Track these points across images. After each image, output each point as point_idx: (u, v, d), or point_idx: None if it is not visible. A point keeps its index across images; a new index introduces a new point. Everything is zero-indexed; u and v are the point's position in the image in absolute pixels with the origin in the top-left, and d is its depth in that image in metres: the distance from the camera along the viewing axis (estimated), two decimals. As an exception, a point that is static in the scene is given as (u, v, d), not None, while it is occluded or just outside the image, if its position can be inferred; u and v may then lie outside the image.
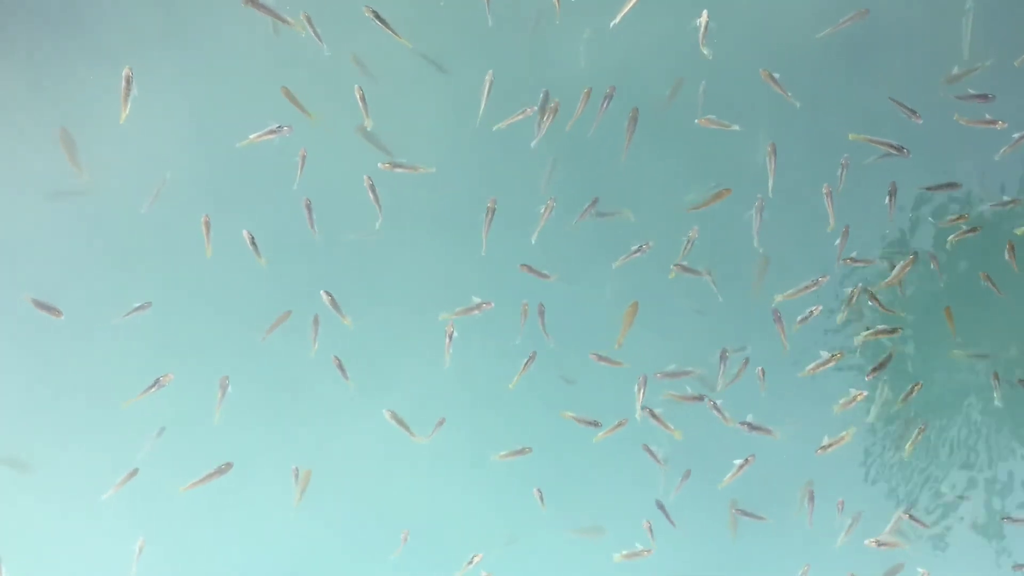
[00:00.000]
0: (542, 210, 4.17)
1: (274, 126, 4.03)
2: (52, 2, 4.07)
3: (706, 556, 4.25)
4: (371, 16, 4.08)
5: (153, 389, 3.99)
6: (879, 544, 4.16)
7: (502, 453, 4.18)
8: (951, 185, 4.24)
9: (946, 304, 4.27)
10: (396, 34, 4.10)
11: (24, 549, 4.02)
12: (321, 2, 4.08)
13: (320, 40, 4.07)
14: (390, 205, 4.15)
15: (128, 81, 3.94)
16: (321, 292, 4.11)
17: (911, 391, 4.24)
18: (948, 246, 4.27)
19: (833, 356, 4.18)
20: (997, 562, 4.29)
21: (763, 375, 4.19)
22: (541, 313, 4.19)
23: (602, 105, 4.18)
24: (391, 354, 4.21)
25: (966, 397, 4.33)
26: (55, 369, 4.07)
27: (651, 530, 4.17)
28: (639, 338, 4.19)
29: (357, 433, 4.18)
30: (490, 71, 4.13)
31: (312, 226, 4.11)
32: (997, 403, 4.28)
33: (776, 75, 4.16)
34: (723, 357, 4.21)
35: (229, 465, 4.04)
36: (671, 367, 4.21)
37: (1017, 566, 4.26)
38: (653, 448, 4.19)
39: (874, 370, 4.23)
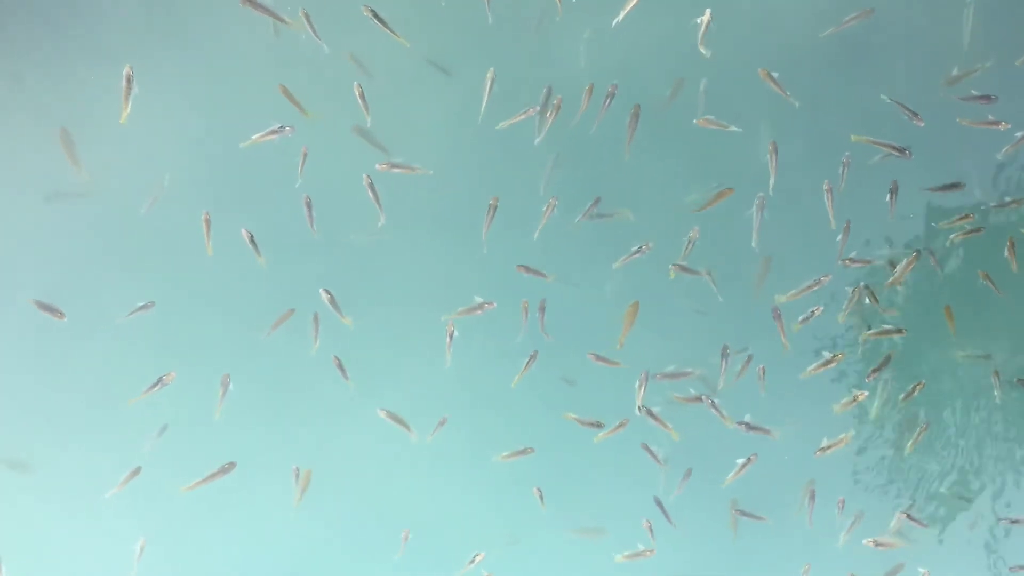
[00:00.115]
0: (544, 209, 4.17)
1: (276, 126, 4.03)
2: (52, 2, 4.06)
3: (707, 556, 4.26)
4: (370, 16, 4.07)
5: (156, 388, 3.99)
6: (877, 544, 4.16)
7: (504, 454, 4.17)
8: (954, 185, 4.24)
9: (946, 303, 4.27)
10: (395, 33, 4.09)
11: (24, 549, 4.01)
12: (321, 2, 4.07)
13: (318, 38, 4.07)
14: (391, 205, 4.15)
15: (129, 80, 3.93)
16: (320, 291, 4.11)
17: (913, 390, 4.24)
18: (949, 244, 4.27)
19: (834, 357, 4.18)
20: (996, 562, 4.30)
21: (763, 374, 4.19)
22: (542, 310, 4.18)
23: (604, 104, 4.17)
24: (392, 353, 4.21)
25: (966, 397, 4.33)
26: (55, 369, 4.06)
27: (651, 530, 4.17)
28: (640, 338, 4.19)
29: (358, 433, 4.18)
30: (491, 69, 4.13)
31: (312, 225, 4.11)
32: (997, 401, 4.28)
33: (775, 74, 4.16)
34: (724, 354, 4.20)
35: (232, 464, 4.03)
36: (671, 368, 4.21)
37: (1014, 567, 4.26)
38: (654, 448, 4.19)
39: (874, 371, 4.23)
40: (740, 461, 4.15)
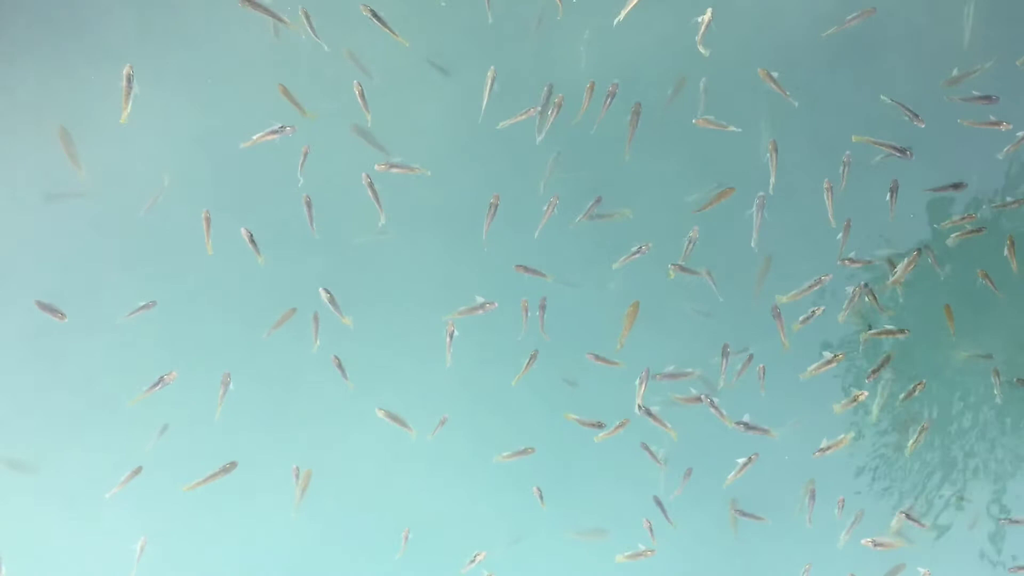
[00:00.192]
0: (545, 208, 4.16)
1: (277, 126, 4.03)
2: (53, 3, 4.05)
3: (708, 556, 4.26)
4: (369, 15, 4.07)
5: (157, 387, 3.99)
6: (875, 544, 4.17)
7: (505, 454, 4.18)
8: (957, 186, 4.24)
9: (946, 303, 4.27)
10: (393, 33, 4.10)
11: (24, 549, 4.01)
12: (321, 1, 4.06)
13: (317, 37, 4.06)
14: (391, 204, 4.15)
15: (129, 79, 3.93)
16: (320, 290, 4.10)
17: (913, 390, 4.24)
18: (949, 243, 4.27)
19: (835, 357, 4.19)
20: (996, 563, 4.31)
21: (763, 373, 4.19)
22: (542, 309, 4.18)
23: (605, 103, 4.17)
24: (392, 353, 4.20)
25: (967, 396, 4.34)
26: (55, 368, 4.06)
27: (651, 529, 4.18)
28: (640, 338, 4.19)
29: (358, 432, 4.17)
30: (492, 68, 4.13)
31: (311, 224, 4.10)
32: (998, 400, 4.29)
33: (775, 74, 4.15)
34: (725, 353, 4.20)
35: (233, 464, 4.03)
36: (670, 367, 4.21)
37: (1014, 568, 4.27)
38: (654, 448, 4.19)
39: (874, 371, 4.23)
40: (741, 461, 4.16)
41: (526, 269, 4.18)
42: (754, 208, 4.18)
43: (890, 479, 4.30)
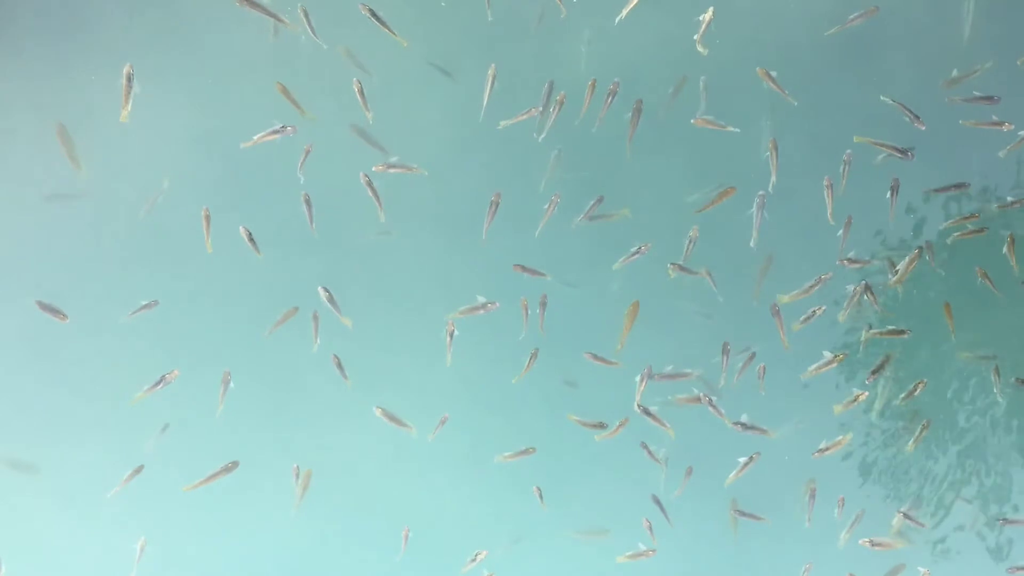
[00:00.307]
0: (546, 206, 4.16)
1: (278, 126, 4.02)
2: (54, 3, 4.03)
3: (708, 556, 4.27)
4: (367, 15, 4.06)
5: (159, 386, 3.98)
6: (873, 544, 4.18)
7: (506, 454, 4.17)
8: (959, 186, 4.24)
9: (946, 302, 4.27)
10: (392, 32, 4.09)
11: (24, 549, 4.00)
12: (322, 1, 4.06)
13: (315, 35, 4.05)
14: (392, 203, 4.14)
15: (129, 78, 3.93)
16: (319, 288, 4.09)
17: (914, 389, 4.25)
18: (949, 241, 4.27)
19: (836, 357, 4.19)
20: (994, 563, 4.33)
21: (763, 372, 4.19)
22: (543, 306, 4.17)
23: (606, 101, 4.16)
24: (392, 352, 4.19)
25: (967, 396, 4.35)
26: (55, 368, 4.05)
27: (651, 529, 4.18)
28: (641, 338, 4.19)
29: (358, 432, 4.17)
30: (492, 65, 4.12)
31: (311, 222, 4.09)
32: (998, 398, 4.30)
33: (774, 73, 4.15)
34: (725, 351, 4.20)
35: (235, 464, 4.02)
36: (669, 368, 4.21)
37: (1013, 568, 4.29)
38: (654, 448, 4.20)
39: (874, 372, 4.23)
40: (742, 460, 4.17)
41: (524, 268, 4.17)
42: (754, 208, 4.17)
43: (890, 478, 4.31)
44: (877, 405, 4.27)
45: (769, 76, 4.15)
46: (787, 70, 4.18)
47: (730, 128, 4.17)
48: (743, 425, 4.16)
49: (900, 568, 4.22)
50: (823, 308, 4.19)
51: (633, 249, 4.18)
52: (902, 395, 4.25)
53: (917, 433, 4.26)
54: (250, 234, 4.03)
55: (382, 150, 4.15)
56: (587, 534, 4.22)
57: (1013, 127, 4.16)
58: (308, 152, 4.05)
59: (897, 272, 4.23)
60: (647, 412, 4.15)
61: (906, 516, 4.23)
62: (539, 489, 4.18)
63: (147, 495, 4.03)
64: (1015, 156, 4.26)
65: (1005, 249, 4.24)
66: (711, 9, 4.08)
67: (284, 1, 4.03)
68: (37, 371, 4.02)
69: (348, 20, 4.09)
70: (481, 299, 4.14)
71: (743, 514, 4.22)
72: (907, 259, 4.21)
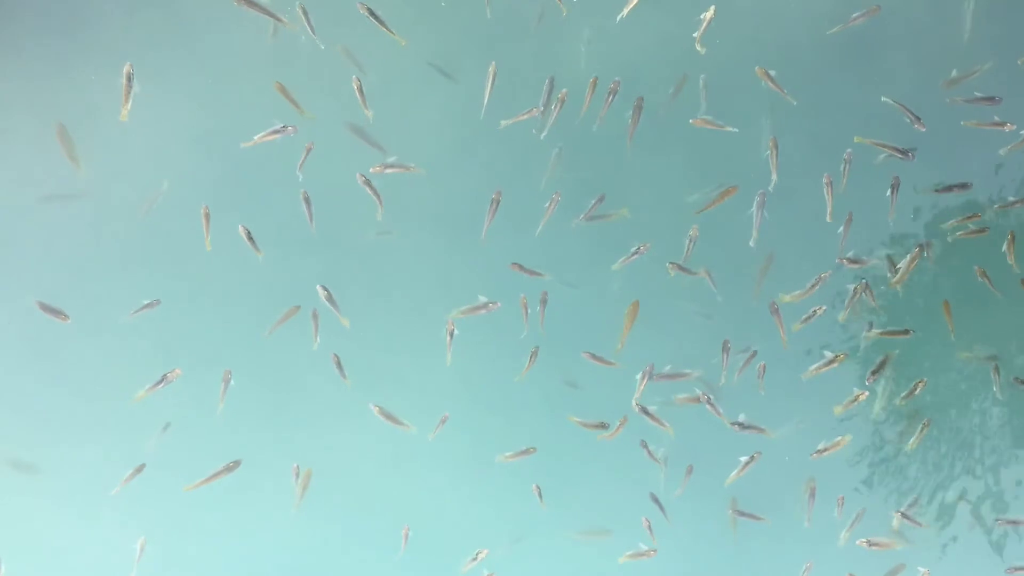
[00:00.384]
0: (547, 205, 4.15)
1: (279, 126, 4.01)
2: (54, 3, 4.02)
3: (708, 556, 4.28)
4: (366, 13, 4.05)
5: (160, 385, 3.98)
6: (870, 544, 4.19)
7: (507, 454, 4.18)
8: (961, 186, 4.23)
9: (945, 300, 4.27)
10: (390, 31, 4.09)
11: (24, 549, 4.00)
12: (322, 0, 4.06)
13: (314, 33, 4.05)
14: (392, 202, 4.14)
15: (129, 78, 3.93)
16: (317, 287, 4.09)
17: (915, 388, 4.25)
18: (949, 239, 4.27)
19: (836, 357, 4.19)
20: (994, 563, 4.34)
21: (763, 371, 4.19)
22: (543, 303, 4.17)
23: (607, 99, 4.15)
24: (392, 351, 4.19)
25: (966, 396, 4.35)
26: (55, 367, 4.04)
27: (650, 528, 4.19)
28: (641, 338, 4.19)
29: (359, 431, 4.17)
30: (493, 63, 4.11)
31: (310, 219, 4.09)
32: (998, 396, 4.30)
33: (772, 73, 4.14)
34: (726, 349, 4.20)
35: (237, 463, 4.02)
36: (667, 368, 4.21)
37: (1011, 569, 4.30)
38: (655, 447, 4.20)
39: (873, 373, 4.24)
40: (743, 459, 4.17)
41: (521, 268, 4.17)
42: (754, 207, 4.17)
43: (890, 477, 4.32)
44: (877, 404, 4.28)
45: (768, 75, 4.15)
46: (787, 70, 4.18)
47: (728, 128, 4.16)
48: (741, 425, 4.16)
49: (900, 568, 4.23)
50: (823, 308, 4.19)
51: (632, 249, 4.18)
52: (903, 394, 4.26)
53: (918, 432, 4.27)
54: (249, 233, 4.03)
55: (381, 149, 4.14)
56: (587, 534, 4.23)
57: (1015, 127, 4.15)
58: (309, 150, 4.04)
59: (898, 271, 4.22)
60: (645, 411, 4.15)
61: (904, 516, 4.24)
62: (538, 488, 4.18)
63: (147, 495, 4.03)
64: (1016, 156, 4.26)
65: (1005, 247, 4.24)
66: (712, 8, 4.07)
67: (283, 1, 4.02)
68: (37, 371, 4.02)
69: (347, 19, 4.08)
70: (483, 299, 4.13)
71: (742, 514, 4.22)
72: (908, 258, 4.21)
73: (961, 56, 4.25)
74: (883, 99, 4.18)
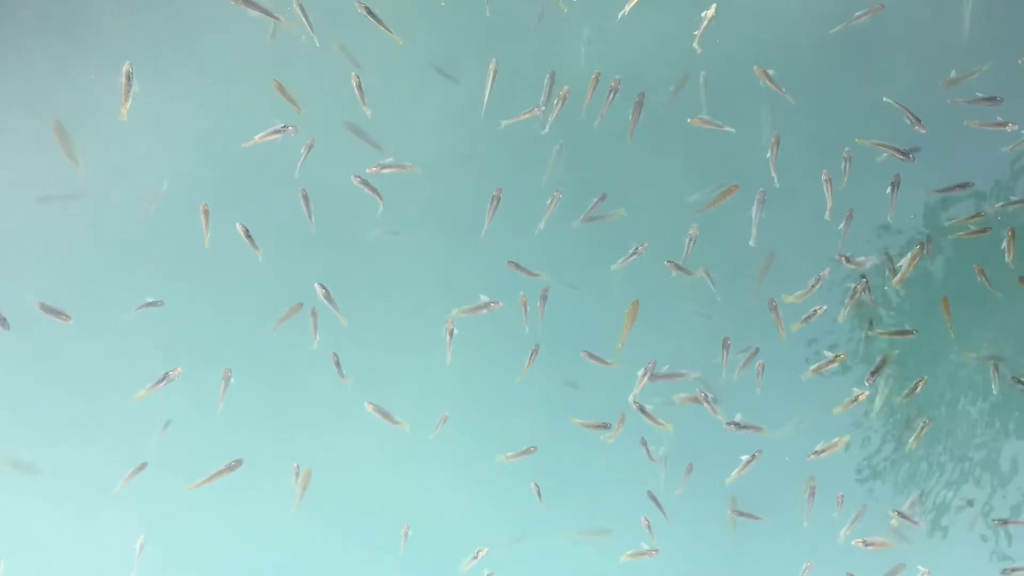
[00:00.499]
0: (548, 202, 4.15)
1: (279, 126, 4.01)
2: (54, 3, 4.02)
3: (708, 555, 4.28)
4: (363, 12, 4.05)
5: (162, 383, 3.98)
6: (867, 544, 4.19)
7: (508, 454, 4.18)
8: (963, 186, 4.23)
9: (945, 299, 4.27)
10: (388, 30, 4.08)
11: (24, 549, 4.01)
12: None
13: (312, 31, 4.04)
14: (392, 201, 4.13)
15: (128, 77, 3.92)
16: (315, 285, 4.09)
17: (915, 387, 4.25)
18: (951, 238, 4.26)
19: (836, 357, 4.19)
20: (995, 563, 4.34)
21: (762, 371, 4.19)
22: (543, 299, 4.17)
23: (608, 98, 4.15)
24: (392, 351, 4.19)
25: (966, 395, 4.35)
26: (55, 367, 4.04)
27: (649, 527, 4.19)
28: (641, 338, 4.19)
29: (359, 431, 4.17)
30: (493, 60, 4.11)
31: (310, 217, 4.09)
32: (995, 393, 4.30)
33: (771, 72, 4.14)
34: (726, 346, 4.20)
35: (239, 462, 4.02)
36: (665, 367, 4.21)
37: (1007, 570, 4.30)
38: (655, 446, 4.20)
39: (873, 373, 4.23)
40: (744, 458, 4.17)
41: (518, 267, 4.16)
42: (754, 206, 4.17)
43: (890, 476, 4.32)
44: (877, 404, 4.28)
45: (766, 75, 4.15)
46: (788, 69, 4.18)
47: (727, 128, 4.16)
48: (737, 425, 4.16)
49: (900, 568, 4.24)
50: (824, 308, 4.19)
51: (631, 250, 4.18)
52: (903, 393, 4.26)
53: (918, 431, 4.27)
54: (247, 231, 4.03)
55: (378, 148, 4.14)
56: (587, 534, 4.23)
57: (1016, 127, 4.15)
58: (311, 147, 4.04)
59: (899, 270, 4.22)
60: (642, 409, 4.15)
61: (901, 515, 4.24)
62: (537, 486, 4.18)
63: (146, 494, 4.03)
64: (1016, 156, 4.26)
65: (1004, 244, 4.23)
66: (713, 6, 4.07)
67: (283, 1, 4.02)
68: (37, 371, 4.02)
69: (347, 19, 4.08)
70: (484, 298, 4.13)
71: (742, 514, 4.22)
72: (908, 257, 4.21)
73: (961, 56, 4.25)
74: (884, 100, 4.18)
